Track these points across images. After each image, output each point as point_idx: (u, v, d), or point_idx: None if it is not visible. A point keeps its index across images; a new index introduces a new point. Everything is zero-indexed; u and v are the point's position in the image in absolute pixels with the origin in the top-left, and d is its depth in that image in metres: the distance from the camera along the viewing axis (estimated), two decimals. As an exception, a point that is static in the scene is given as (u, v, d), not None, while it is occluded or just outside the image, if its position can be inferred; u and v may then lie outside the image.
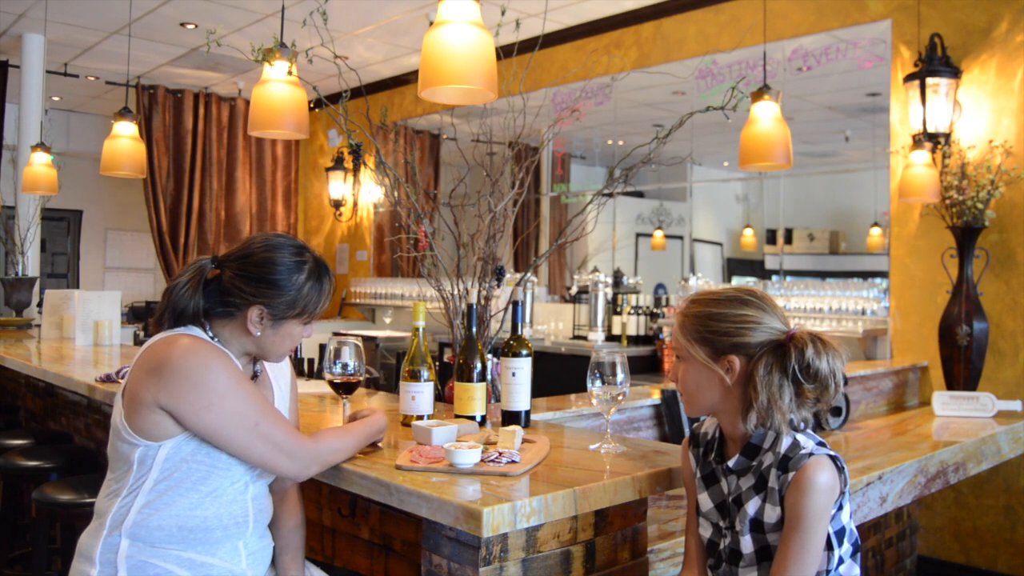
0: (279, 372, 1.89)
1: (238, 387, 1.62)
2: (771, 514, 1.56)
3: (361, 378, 2.04)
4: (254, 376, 1.81)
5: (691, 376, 1.65)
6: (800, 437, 1.57)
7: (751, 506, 1.59)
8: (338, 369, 2.01)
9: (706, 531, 1.70)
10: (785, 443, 1.57)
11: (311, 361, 3.20)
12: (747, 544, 1.60)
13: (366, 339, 6.02)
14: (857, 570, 1.63)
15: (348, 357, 2.01)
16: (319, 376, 3.06)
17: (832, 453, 1.57)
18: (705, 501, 1.70)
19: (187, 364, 1.60)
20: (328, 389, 2.16)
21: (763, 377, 1.56)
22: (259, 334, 1.71)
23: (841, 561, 1.59)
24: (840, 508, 1.58)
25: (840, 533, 1.58)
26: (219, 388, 1.60)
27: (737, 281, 6.10)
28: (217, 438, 1.61)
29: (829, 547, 1.56)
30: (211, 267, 1.74)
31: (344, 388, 2.03)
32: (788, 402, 1.55)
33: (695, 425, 1.81)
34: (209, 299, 1.71)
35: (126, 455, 1.65)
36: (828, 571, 1.57)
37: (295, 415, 1.89)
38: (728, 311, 1.62)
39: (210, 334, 1.72)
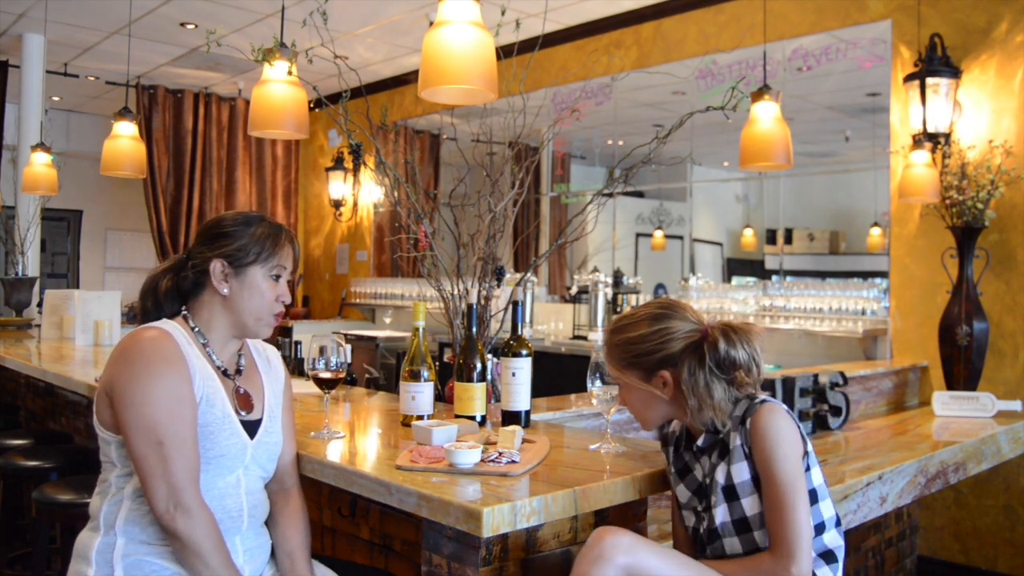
0: (271, 369, 1.88)
1: (168, 398, 1.58)
2: (739, 473, 1.60)
3: (343, 374, 2.04)
4: (238, 371, 1.79)
5: (635, 399, 1.73)
6: (753, 399, 1.64)
7: (720, 474, 1.63)
8: (321, 365, 2.01)
9: (690, 521, 1.74)
10: (740, 407, 1.64)
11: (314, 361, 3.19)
12: (722, 514, 1.62)
13: (366, 339, 6.02)
14: (841, 540, 1.66)
15: (331, 354, 2.01)
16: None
17: (785, 407, 1.63)
18: (682, 492, 1.73)
19: (134, 359, 1.61)
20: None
21: (687, 380, 1.63)
22: (227, 291, 1.72)
23: (823, 527, 1.61)
24: (809, 468, 1.62)
25: (812, 493, 1.62)
26: (148, 392, 1.58)
27: (737, 281, 6.10)
28: (126, 439, 1.60)
29: None
30: (186, 260, 1.77)
31: (327, 384, 2.03)
32: (720, 397, 1.62)
33: (663, 429, 1.85)
34: (183, 283, 1.75)
35: (106, 452, 1.67)
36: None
37: (289, 414, 1.88)
38: (645, 331, 1.68)
39: (192, 324, 1.73)
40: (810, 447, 1.63)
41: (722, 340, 1.62)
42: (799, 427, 1.62)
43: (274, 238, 1.76)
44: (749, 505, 1.59)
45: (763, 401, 1.61)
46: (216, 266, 1.72)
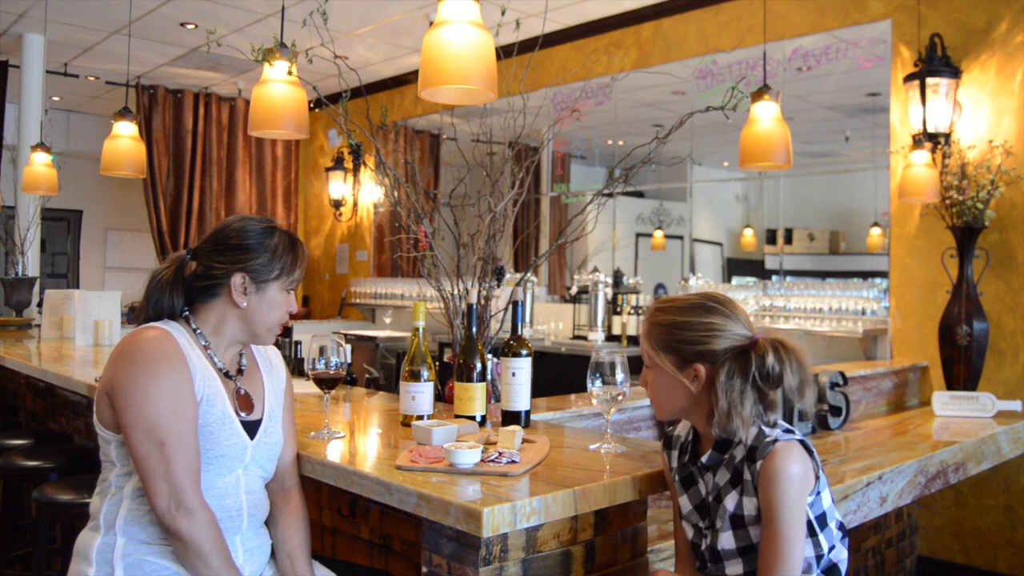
0: (272, 370, 1.88)
1: (169, 398, 1.58)
2: (750, 506, 1.57)
3: (343, 374, 2.03)
4: (240, 371, 1.79)
5: (659, 383, 1.68)
6: (766, 428, 1.59)
7: (730, 501, 1.61)
8: (321, 365, 2.00)
9: (688, 533, 1.72)
10: (752, 433, 1.58)
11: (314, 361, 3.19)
12: (727, 540, 1.60)
13: (366, 339, 6.02)
14: (845, 552, 1.64)
15: (331, 354, 2.00)
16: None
17: (800, 438, 1.58)
18: (685, 503, 1.71)
19: (135, 358, 1.60)
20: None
21: (724, 383, 1.57)
22: (245, 304, 1.72)
23: (832, 546, 1.61)
24: (819, 493, 1.59)
25: (822, 518, 1.59)
26: (149, 391, 1.57)
27: (737, 281, 6.10)
28: (126, 438, 1.59)
29: (812, 533, 1.57)
30: (189, 259, 1.76)
31: (327, 384, 2.01)
32: (749, 409, 1.56)
33: (669, 428, 1.83)
34: (191, 287, 1.73)
35: (106, 451, 1.67)
36: (820, 556, 1.58)
37: (290, 415, 1.88)
38: (694, 319, 1.63)
39: (194, 326, 1.72)
40: (822, 473, 1.59)
41: (771, 354, 1.55)
42: (814, 456, 1.57)
43: (293, 254, 1.77)
44: (756, 534, 1.57)
45: (775, 441, 1.55)
46: (237, 279, 1.71)
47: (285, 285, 1.76)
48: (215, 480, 1.66)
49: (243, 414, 1.73)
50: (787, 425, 1.62)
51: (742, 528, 1.59)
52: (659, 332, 1.66)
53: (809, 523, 1.56)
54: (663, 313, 1.67)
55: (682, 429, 1.77)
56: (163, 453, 1.55)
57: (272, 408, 1.81)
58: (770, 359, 1.55)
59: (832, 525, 1.61)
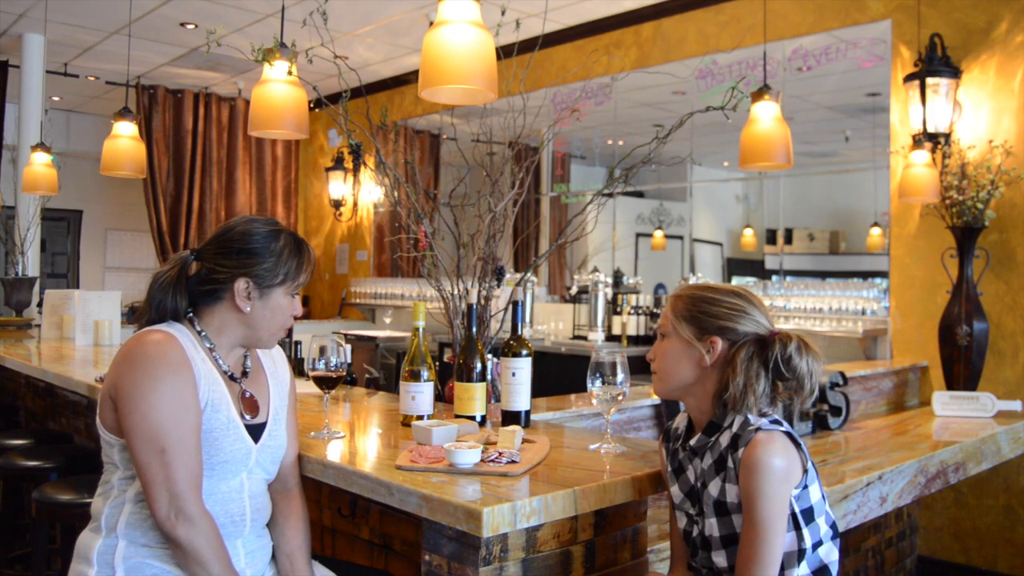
0: (277, 371, 1.87)
1: (172, 404, 1.57)
2: (731, 494, 1.58)
3: (343, 374, 2.03)
4: (244, 373, 1.79)
5: (671, 352, 1.70)
6: (752, 416, 1.60)
7: (713, 487, 1.62)
8: (321, 365, 1.99)
9: (682, 522, 1.72)
10: (737, 421, 1.60)
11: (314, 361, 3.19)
12: (712, 527, 1.61)
13: (366, 339, 6.02)
14: (836, 554, 1.63)
15: (331, 354, 1.99)
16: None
17: (785, 429, 1.58)
18: (676, 493, 1.72)
19: (139, 363, 1.58)
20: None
21: (744, 361, 1.60)
22: (248, 309, 1.69)
23: (820, 543, 1.60)
24: (806, 487, 1.58)
25: (808, 512, 1.58)
26: (152, 398, 1.56)
27: (737, 281, 6.10)
28: (129, 444, 1.58)
29: (796, 526, 1.56)
30: (192, 259, 1.73)
31: (327, 384, 2.01)
32: (762, 390, 1.59)
33: (668, 422, 1.84)
34: (194, 289, 1.71)
35: (108, 454, 1.66)
36: (802, 551, 1.57)
37: (293, 415, 1.88)
38: (722, 298, 1.68)
39: (198, 328, 1.71)
40: (810, 464, 1.59)
41: (793, 342, 1.61)
42: (800, 446, 1.57)
43: (299, 258, 1.74)
44: (739, 523, 1.57)
45: (758, 429, 1.55)
46: (240, 284, 1.68)
47: (290, 290, 1.74)
48: (218, 485, 1.65)
49: (248, 417, 1.72)
50: (775, 416, 1.63)
51: (726, 515, 1.59)
52: (685, 303, 1.70)
53: (793, 516, 1.56)
54: (692, 289, 1.73)
55: (680, 421, 1.78)
56: (164, 460, 1.54)
57: (276, 410, 1.80)
58: (791, 348, 1.60)
59: (821, 521, 1.60)
